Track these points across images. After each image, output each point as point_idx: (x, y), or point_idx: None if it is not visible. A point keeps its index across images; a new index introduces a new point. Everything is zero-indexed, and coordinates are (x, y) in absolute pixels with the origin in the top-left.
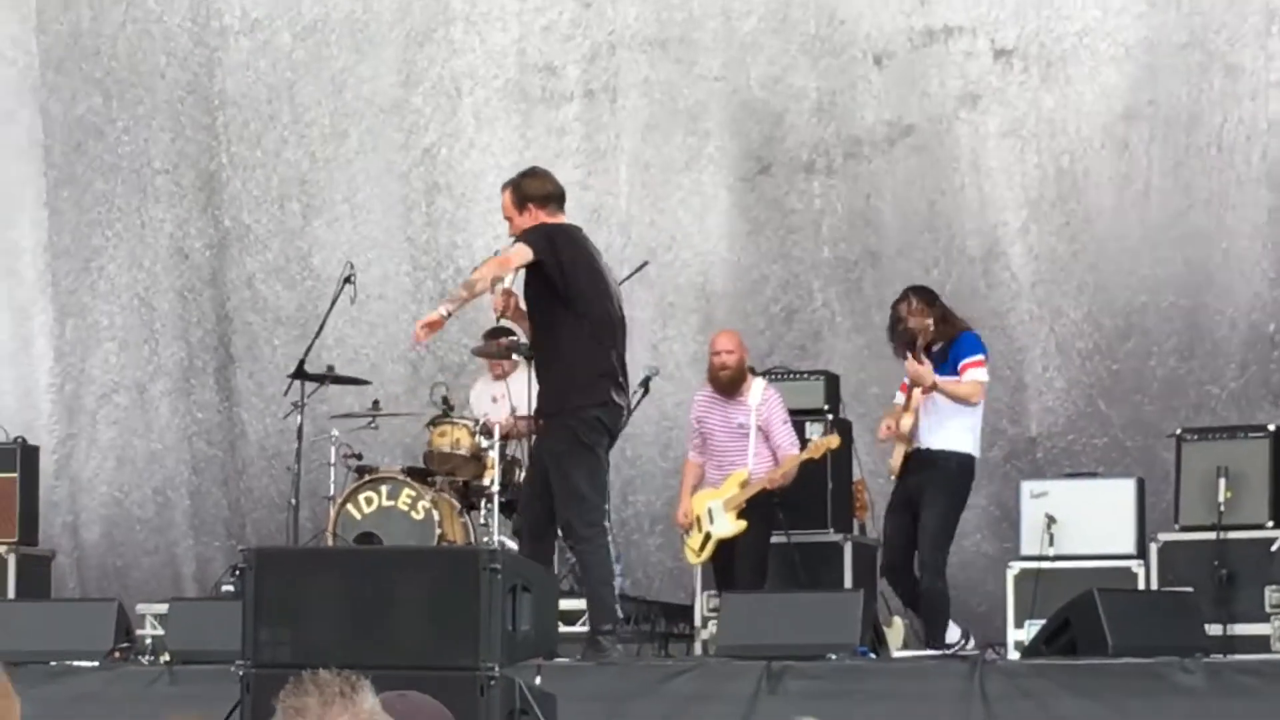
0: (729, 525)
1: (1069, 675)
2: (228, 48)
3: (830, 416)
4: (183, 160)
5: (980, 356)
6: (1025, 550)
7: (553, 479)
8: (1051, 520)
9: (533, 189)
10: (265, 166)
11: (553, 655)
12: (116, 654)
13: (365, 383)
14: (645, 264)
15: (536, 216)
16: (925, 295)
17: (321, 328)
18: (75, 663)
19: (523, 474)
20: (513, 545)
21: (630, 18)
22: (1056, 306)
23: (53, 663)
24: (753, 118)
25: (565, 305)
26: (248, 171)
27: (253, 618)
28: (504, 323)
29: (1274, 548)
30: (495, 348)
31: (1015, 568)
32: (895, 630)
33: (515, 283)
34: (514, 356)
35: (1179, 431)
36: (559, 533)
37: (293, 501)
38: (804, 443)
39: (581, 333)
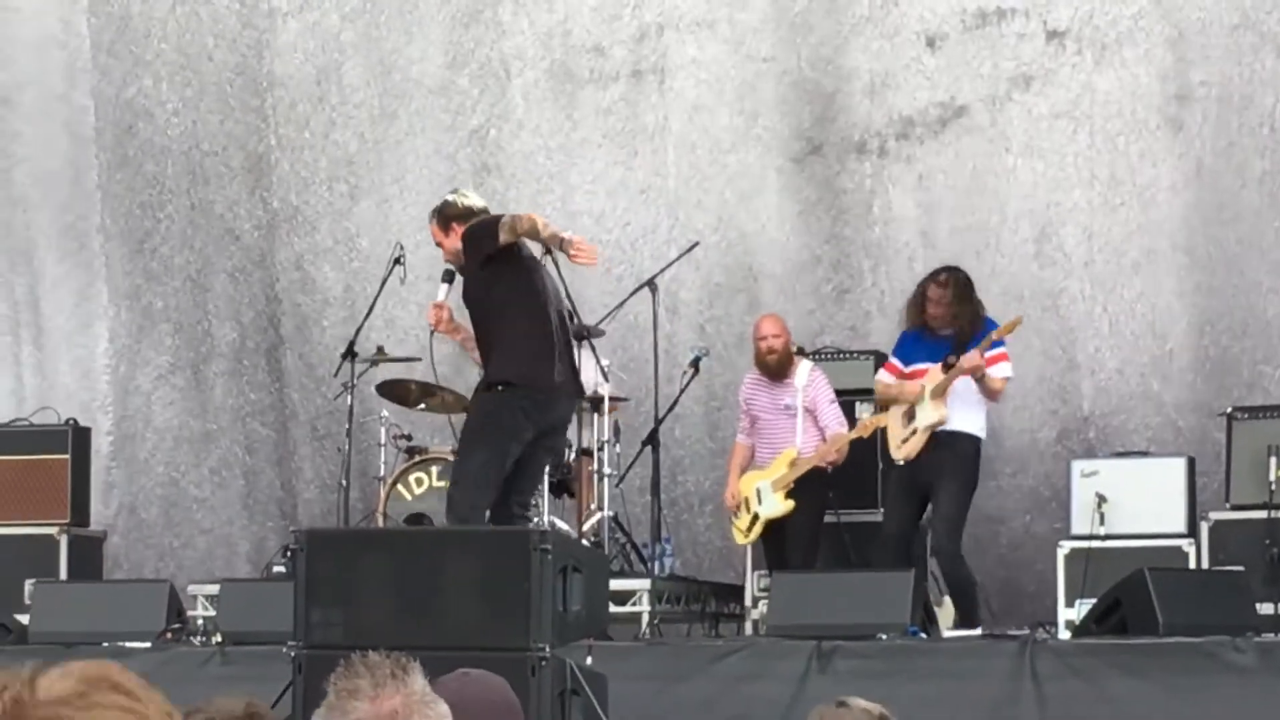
0: (777, 505)
1: (1119, 654)
2: (276, 29)
3: None
4: (231, 142)
5: (1005, 349)
6: (1076, 530)
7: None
8: (1102, 499)
9: (452, 210)
10: (314, 148)
11: (604, 635)
12: (168, 635)
13: (415, 359)
14: (695, 244)
15: (468, 228)
16: (960, 284)
17: (372, 308)
18: (127, 644)
19: (572, 455)
20: (564, 526)
21: None
22: (1109, 286)
23: (104, 644)
24: (803, 99)
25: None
26: (296, 153)
27: (304, 599)
28: (438, 337)
29: None
30: None
31: (1066, 547)
32: (946, 610)
33: (452, 295)
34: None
35: (1230, 410)
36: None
37: (343, 482)
38: (853, 422)
39: (522, 320)
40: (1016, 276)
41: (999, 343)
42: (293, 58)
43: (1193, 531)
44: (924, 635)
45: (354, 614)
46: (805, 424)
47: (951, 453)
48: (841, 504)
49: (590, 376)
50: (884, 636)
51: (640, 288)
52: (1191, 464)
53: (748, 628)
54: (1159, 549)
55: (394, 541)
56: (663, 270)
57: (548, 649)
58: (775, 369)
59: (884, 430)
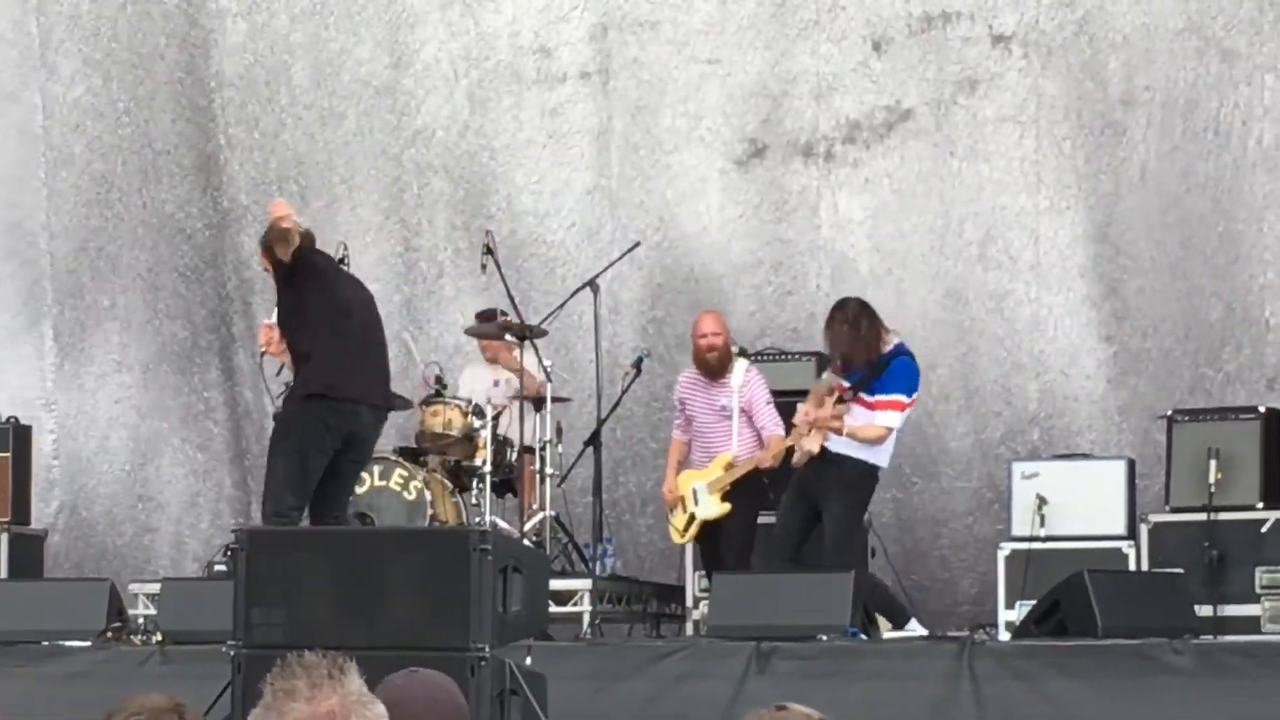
0: (713, 507)
1: (1059, 656)
2: (225, 30)
3: None
4: (182, 141)
5: (900, 396)
6: (1016, 531)
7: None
8: (1043, 501)
9: (263, 237)
10: (263, 148)
11: (544, 635)
12: (109, 634)
13: None
14: (636, 244)
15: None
16: (855, 315)
17: None
18: (67, 642)
19: (514, 454)
20: (505, 525)
21: None
22: (1054, 289)
23: (44, 642)
24: (748, 101)
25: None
26: (246, 153)
27: (244, 598)
28: (269, 357)
29: (1264, 529)
30: (490, 328)
31: (1006, 549)
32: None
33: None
34: (508, 337)
35: (1170, 413)
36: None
37: None
38: (790, 426)
39: (323, 331)
40: (961, 279)
41: (893, 389)
42: (242, 58)
43: (1132, 533)
44: (864, 636)
45: (294, 614)
46: (740, 425)
47: (834, 469)
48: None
49: (532, 377)
50: (824, 638)
51: (581, 288)
52: (1132, 466)
53: (689, 628)
54: (1099, 551)
55: (335, 541)
56: (604, 270)
57: (487, 649)
58: (714, 367)
59: None
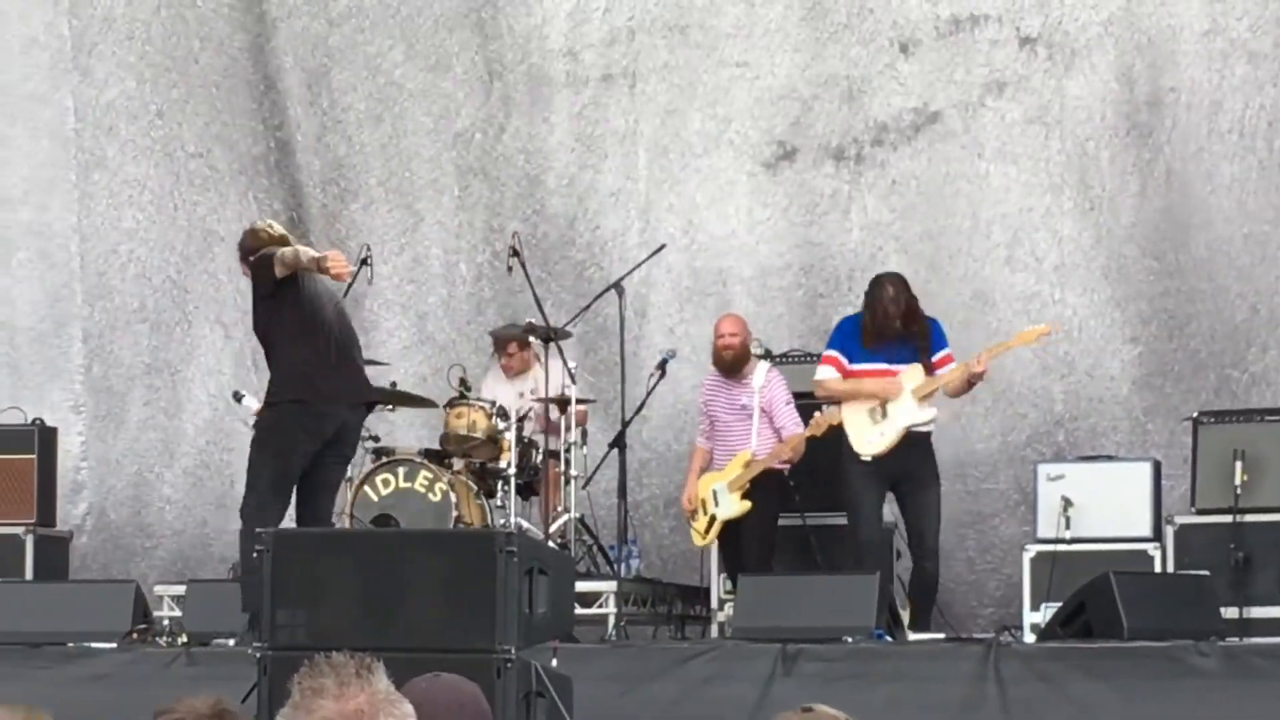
0: (733, 506)
1: (1084, 658)
2: (267, 34)
3: None
4: (217, 144)
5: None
6: (1042, 533)
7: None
8: (1068, 503)
9: (245, 244)
10: (305, 151)
11: (569, 637)
12: (134, 635)
13: (383, 364)
14: (662, 247)
15: (257, 260)
16: (906, 285)
17: None
18: (92, 644)
19: (540, 457)
20: (530, 527)
21: (650, 2)
22: (1079, 291)
23: (70, 644)
24: (776, 104)
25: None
26: (286, 156)
27: (269, 600)
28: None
29: None
30: (514, 329)
31: (1032, 550)
32: (911, 613)
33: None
34: (531, 340)
35: (1196, 415)
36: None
37: None
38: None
39: (299, 336)
40: (989, 281)
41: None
42: (284, 61)
43: (1158, 535)
44: (889, 638)
45: (319, 615)
46: (761, 425)
47: (926, 452)
48: (807, 507)
49: (557, 379)
50: (850, 639)
51: (606, 290)
52: (1157, 468)
53: (713, 630)
54: (1124, 553)
55: (360, 543)
56: (629, 273)
57: (513, 651)
58: (730, 366)
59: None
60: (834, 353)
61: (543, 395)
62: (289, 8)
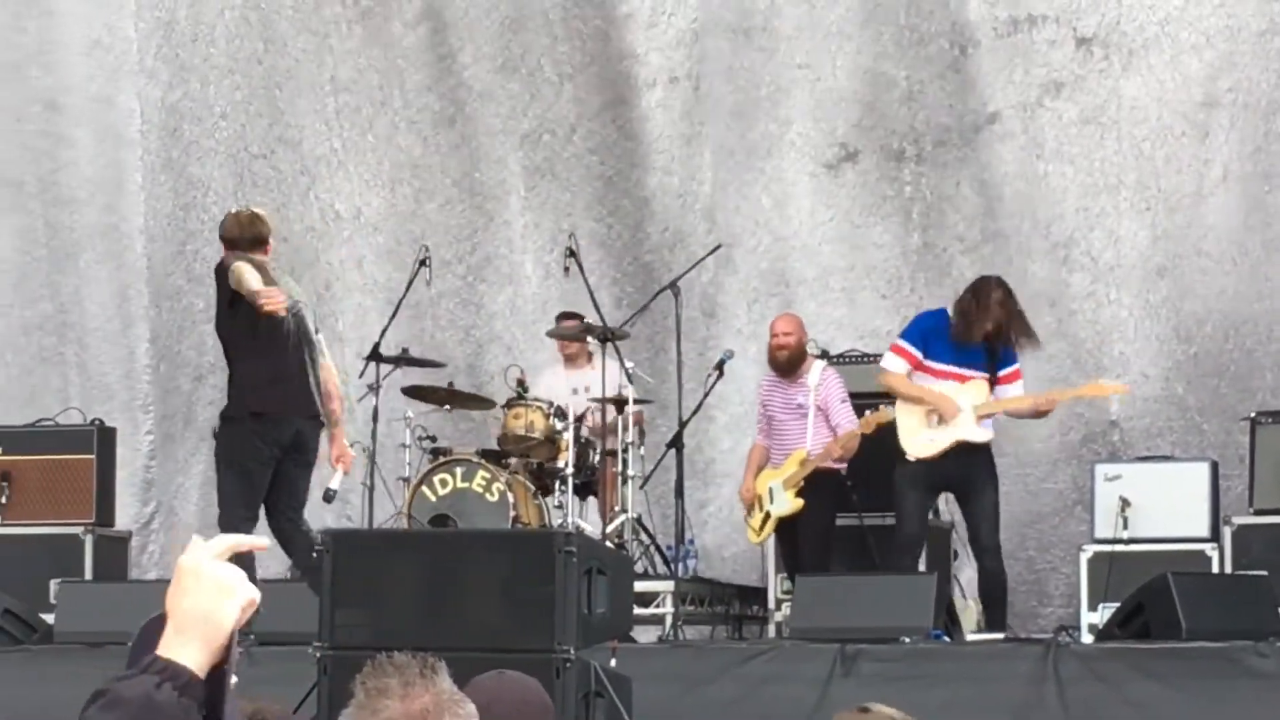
0: (788, 503)
1: (1142, 659)
2: (338, 35)
3: None
4: (280, 145)
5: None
6: (1099, 533)
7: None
8: (1126, 503)
9: (222, 230)
10: (377, 151)
11: (627, 637)
12: None
13: (440, 365)
14: (718, 247)
15: (227, 258)
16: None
17: (396, 311)
18: None
19: (597, 457)
20: (588, 528)
21: (714, 5)
22: (1135, 291)
23: (129, 643)
24: (838, 106)
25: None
26: (359, 155)
27: (330, 600)
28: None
29: None
30: (569, 329)
31: (1089, 550)
32: (969, 613)
33: None
34: (588, 339)
35: (1254, 415)
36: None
37: (367, 484)
38: None
39: (255, 349)
40: (1046, 281)
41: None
42: (356, 63)
43: (1216, 536)
44: (947, 639)
45: (379, 615)
46: (817, 423)
47: (982, 458)
48: (865, 507)
49: (614, 379)
50: (907, 640)
51: (661, 290)
52: (1215, 468)
53: (771, 630)
54: (1182, 553)
55: (419, 543)
56: (683, 274)
57: (572, 651)
58: (784, 366)
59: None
60: (906, 344)
61: (599, 396)
62: (361, 10)
